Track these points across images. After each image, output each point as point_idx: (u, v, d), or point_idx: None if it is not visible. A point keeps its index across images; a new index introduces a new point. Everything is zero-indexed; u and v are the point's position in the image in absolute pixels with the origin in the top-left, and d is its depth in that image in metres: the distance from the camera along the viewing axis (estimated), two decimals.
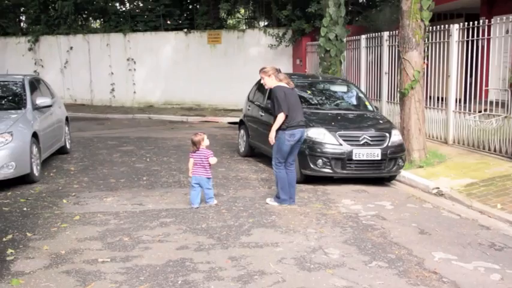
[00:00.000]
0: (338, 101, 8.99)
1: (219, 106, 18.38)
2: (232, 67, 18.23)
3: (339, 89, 9.26)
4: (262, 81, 6.45)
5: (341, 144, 7.46)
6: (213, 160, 6.43)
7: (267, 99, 9.03)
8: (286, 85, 6.34)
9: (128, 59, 18.94)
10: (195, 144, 6.44)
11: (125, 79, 19.07)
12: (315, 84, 9.30)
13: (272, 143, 6.28)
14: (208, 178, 6.44)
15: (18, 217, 5.78)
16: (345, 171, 7.47)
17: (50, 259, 4.53)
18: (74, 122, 14.17)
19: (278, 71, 6.42)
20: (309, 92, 8.99)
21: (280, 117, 6.16)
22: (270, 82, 6.37)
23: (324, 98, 8.96)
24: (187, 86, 18.58)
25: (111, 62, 19.03)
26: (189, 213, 6.05)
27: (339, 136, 7.52)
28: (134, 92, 19.09)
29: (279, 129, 6.25)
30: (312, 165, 7.46)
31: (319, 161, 7.43)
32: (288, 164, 6.50)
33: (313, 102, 8.78)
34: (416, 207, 6.52)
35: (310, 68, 16.16)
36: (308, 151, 7.48)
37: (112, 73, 19.09)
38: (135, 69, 19.00)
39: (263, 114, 9.05)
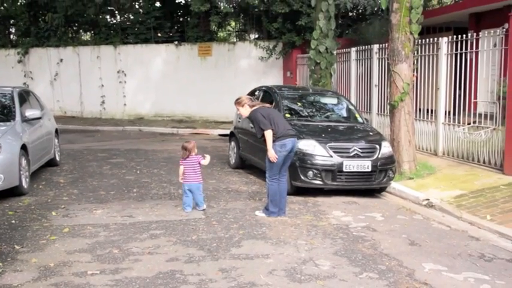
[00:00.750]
0: (328, 113, 9.05)
1: (210, 118, 18.41)
2: (223, 79, 18.31)
3: (329, 101, 9.32)
4: (237, 112, 6.53)
5: (331, 156, 7.50)
6: (205, 162, 6.63)
7: None
8: (258, 106, 6.51)
9: (118, 71, 18.96)
10: (187, 150, 6.59)
11: (115, 91, 19.07)
12: (305, 96, 9.35)
13: (274, 160, 6.29)
14: (199, 183, 6.64)
15: (6, 230, 5.74)
16: (335, 183, 7.51)
17: (39, 272, 4.50)
18: (63, 134, 14.04)
19: (251, 99, 6.61)
20: (300, 104, 9.04)
21: (269, 134, 6.26)
22: (244, 111, 6.54)
23: (314, 110, 9.01)
24: (178, 98, 18.61)
25: (101, 74, 19.04)
26: (179, 225, 6.06)
27: (329, 148, 7.57)
28: (124, 104, 19.07)
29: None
30: (302, 177, 7.49)
31: (310, 173, 7.46)
32: (281, 175, 6.54)
33: (303, 114, 8.82)
34: (406, 219, 6.56)
35: (301, 80, 16.27)
36: (298, 163, 7.50)
37: (102, 85, 19.08)
38: (125, 82, 19.01)
39: (253, 126, 9.08)
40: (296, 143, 6.56)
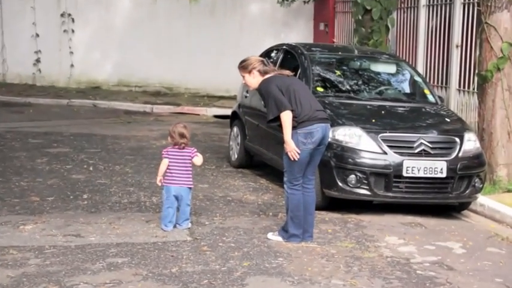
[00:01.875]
0: (382, 88, 9.06)
1: (201, 91, 18.40)
2: (223, 33, 18.24)
3: (383, 68, 9.33)
4: (243, 81, 6.75)
5: (385, 153, 7.52)
6: (198, 160, 6.75)
7: None
8: (272, 73, 6.57)
9: (62, 15, 18.95)
10: (184, 137, 6.66)
11: (58, 45, 19.05)
12: (347, 61, 9.33)
13: (296, 156, 6.33)
14: (190, 188, 6.75)
15: None
16: (390, 194, 7.53)
17: None
18: None
19: (263, 62, 6.64)
20: (338, 72, 9.05)
21: (287, 117, 6.29)
22: (252, 80, 6.59)
23: (360, 83, 9.02)
24: (154, 58, 18.56)
25: (35, 17, 19.02)
26: (153, 250, 6.06)
27: (382, 140, 7.58)
28: (71, 65, 19.08)
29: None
30: (340, 183, 7.52)
31: (352, 177, 7.49)
32: (306, 180, 6.58)
33: (343, 89, 8.81)
34: (501, 253, 6.53)
35: (341, 37, 16.20)
36: (334, 161, 7.53)
37: (37, 35, 19.07)
38: (73, 31, 19.00)
39: (264, 103, 9.07)
40: (328, 129, 6.60)
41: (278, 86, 6.38)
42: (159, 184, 6.83)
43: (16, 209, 7.29)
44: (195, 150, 6.82)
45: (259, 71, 6.55)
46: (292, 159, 6.34)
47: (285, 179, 6.56)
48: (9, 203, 7.56)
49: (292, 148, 6.31)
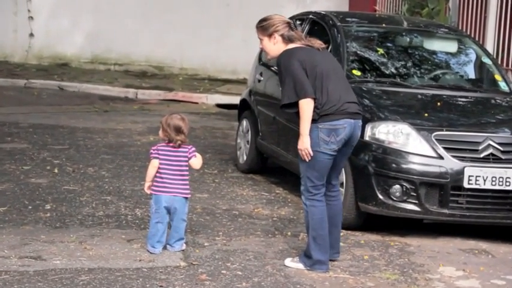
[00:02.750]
0: (438, 72, 9.07)
1: (200, 72, 18.41)
2: None
3: (441, 46, 9.36)
4: (260, 46, 6.83)
5: (441, 157, 7.54)
6: (196, 162, 6.77)
7: None
8: (298, 45, 6.62)
9: None
10: (180, 132, 6.66)
11: (12, 7, 19.02)
12: (392, 36, 9.38)
13: (308, 158, 6.42)
14: (186, 199, 6.77)
15: None
16: (446, 211, 7.54)
17: None
18: None
19: (290, 25, 6.70)
20: (381, 51, 9.07)
21: (307, 106, 6.35)
22: (272, 48, 6.66)
23: (409, 65, 9.05)
24: (139, 28, 18.58)
25: None
26: (136, 278, 6.10)
27: (437, 140, 7.60)
28: (31, 35, 19.08)
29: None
30: (380, 196, 7.54)
31: (396, 188, 7.51)
32: (330, 187, 6.66)
33: (387, 72, 8.83)
34: None
35: (385, 4, 16.17)
36: (373, 167, 7.57)
37: None
38: None
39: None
40: (359, 130, 6.67)
41: (302, 63, 6.43)
42: (147, 192, 6.85)
43: None
44: (193, 149, 6.82)
45: (282, 36, 6.59)
46: (303, 159, 6.42)
47: (302, 187, 6.61)
48: None
49: (306, 146, 6.37)
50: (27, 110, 13.81)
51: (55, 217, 7.63)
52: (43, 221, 7.47)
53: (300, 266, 6.59)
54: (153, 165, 6.75)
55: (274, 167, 9.88)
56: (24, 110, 13.88)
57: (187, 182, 6.83)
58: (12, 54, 19.23)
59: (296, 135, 8.63)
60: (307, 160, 6.40)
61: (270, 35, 6.61)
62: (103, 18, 18.66)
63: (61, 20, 18.93)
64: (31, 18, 18.99)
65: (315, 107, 6.36)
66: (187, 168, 6.79)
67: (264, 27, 6.65)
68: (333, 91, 6.44)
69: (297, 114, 6.45)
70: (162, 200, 6.69)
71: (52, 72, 17.85)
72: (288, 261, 6.66)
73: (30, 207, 7.94)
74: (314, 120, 6.38)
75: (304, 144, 6.36)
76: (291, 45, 6.59)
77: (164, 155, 6.73)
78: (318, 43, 6.71)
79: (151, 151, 6.81)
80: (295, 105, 6.41)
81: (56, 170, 9.50)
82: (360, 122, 6.67)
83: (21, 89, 16.36)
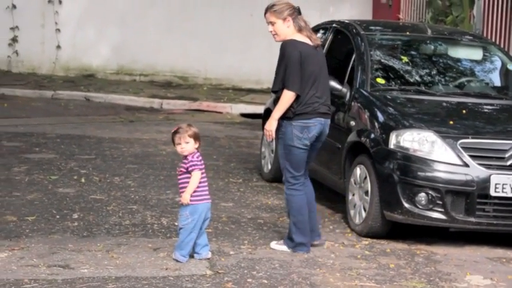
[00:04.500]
0: (463, 79, 9.03)
1: (225, 81, 18.41)
2: (253, 7, 18.22)
3: (466, 54, 9.32)
4: (269, 29, 7.19)
5: (467, 165, 7.49)
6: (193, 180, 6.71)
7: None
8: (306, 39, 7.07)
9: None
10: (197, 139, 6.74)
11: (40, 20, 19.15)
12: (416, 44, 9.35)
13: (269, 139, 7.29)
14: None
15: None
16: (473, 219, 7.48)
17: None
18: None
19: (299, 10, 7.16)
20: (405, 59, 9.04)
21: (288, 97, 6.93)
22: (286, 31, 7.08)
23: (434, 73, 9.02)
24: (164, 39, 18.62)
25: None
26: (162, 286, 6.10)
27: (463, 148, 7.55)
28: (58, 47, 19.17)
29: (283, 117, 7.01)
30: (406, 204, 7.49)
31: (421, 197, 7.47)
32: (306, 176, 7.27)
33: (412, 80, 8.81)
34: None
35: (409, 12, 16.12)
36: (399, 175, 7.53)
37: (13, 6, 19.19)
38: (60, 2, 19.08)
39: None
40: (327, 128, 7.24)
41: (301, 57, 6.93)
42: (185, 203, 6.70)
43: None
44: (197, 152, 6.80)
45: (294, 20, 7.05)
46: (266, 138, 7.28)
47: (283, 178, 7.23)
48: None
49: (271, 128, 6.99)
50: (54, 121, 13.86)
51: (82, 226, 7.66)
52: (71, 230, 7.51)
53: (284, 248, 7.10)
54: (199, 177, 6.71)
55: None
56: (52, 120, 13.93)
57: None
58: (40, 66, 19.31)
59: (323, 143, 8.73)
60: (268, 139, 7.26)
61: (284, 18, 7.00)
62: (128, 29, 18.71)
63: (87, 32, 19.00)
64: (58, 30, 19.06)
65: (291, 106, 6.91)
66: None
67: (278, 10, 7.02)
68: (315, 93, 7.00)
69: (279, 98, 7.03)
70: (201, 209, 6.69)
71: (78, 84, 17.92)
72: (273, 244, 7.21)
73: (58, 216, 7.98)
74: (289, 118, 6.96)
75: (271, 126, 6.98)
76: (298, 36, 7.02)
77: (202, 164, 6.76)
78: (314, 39, 7.20)
79: (197, 163, 6.68)
80: (279, 91, 6.99)
81: (83, 180, 9.53)
82: (328, 121, 7.22)
83: (48, 100, 16.43)
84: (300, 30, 7.06)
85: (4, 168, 9.93)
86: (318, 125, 7.03)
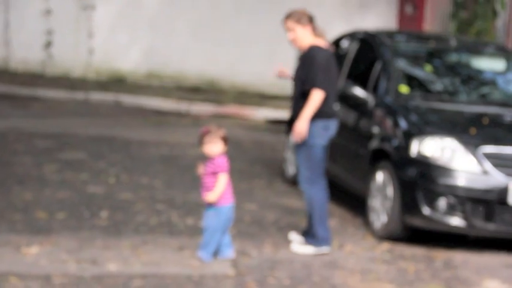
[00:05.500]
0: (486, 88, 9.01)
1: (250, 87, 18.41)
2: (280, 14, 18.18)
3: (489, 64, 9.32)
4: (289, 37, 7.44)
5: (487, 173, 7.50)
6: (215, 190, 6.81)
7: (349, 74, 9.26)
8: (324, 45, 7.46)
9: None
10: (226, 142, 6.90)
11: (74, 24, 19.24)
12: (441, 53, 9.36)
13: (299, 140, 7.22)
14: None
15: None
16: (492, 226, 7.49)
17: None
18: None
19: (311, 19, 7.44)
20: (429, 68, 9.07)
21: (318, 96, 7.17)
22: (304, 36, 7.37)
23: (457, 82, 9.02)
24: (193, 45, 18.64)
25: None
26: (187, 284, 6.15)
27: (484, 156, 7.56)
28: (91, 51, 19.24)
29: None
30: (425, 210, 7.52)
31: (442, 203, 7.49)
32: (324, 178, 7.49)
33: (435, 89, 8.82)
34: None
35: (434, 23, 16.08)
36: (419, 181, 7.55)
37: (49, 11, 19.38)
38: (94, 7, 19.23)
39: (339, 103, 9.13)
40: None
41: (326, 62, 7.26)
42: (211, 203, 6.82)
43: (18, 227, 7.44)
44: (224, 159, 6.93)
45: (312, 27, 7.38)
46: (296, 140, 7.22)
47: (302, 178, 7.43)
48: (9, 219, 7.70)
49: (303, 129, 7.11)
50: (85, 123, 13.98)
51: (110, 224, 7.75)
52: (99, 228, 7.60)
53: (310, 250, 7.21)
54: (226, 179, 6.82)
55: None
56: (83, 122, 14.05)
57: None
58: (73, 69, 19.39)
59: (343, 149, 8.77)
60: (300, 138, 7.15)
61: (303, 25, 7.30)
62: (158, 35, 18.80)
63: (119, 37, 19.09)
64: (91, 35, 19.19)
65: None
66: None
67: (298, 18, 7.33)
68: (330, 95, 7.24)
69: (301, 100, 7.30)
70: (225, 210, 6.78)
71: (109, 87, 17.98)
72: (297, 247, 7.31)
73: (87, 214, 8.08)
74: (313, 118, 7.17)
75: (303, 127, 7.13)
76: (318, 41, 7.35)
77: (227, 167, 6.83)
78: (331, 46, 7.65)
79: (224, 166, 6.80)
80: (305, 94, 7.22)
81: (111, 180, 9.63)
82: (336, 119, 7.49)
83: (80, 102, 16.57)
84: (316, 36, 7.38)
85: (36, 167, 10.06)
86: (333, 125, 7.37)
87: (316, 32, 7.42)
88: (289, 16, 7.41)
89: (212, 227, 6.79)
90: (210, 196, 6.74)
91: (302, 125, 7.14)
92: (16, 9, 19.54)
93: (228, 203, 6.84)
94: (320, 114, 7.18)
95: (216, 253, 6.85)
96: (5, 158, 10.52)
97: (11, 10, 19.63)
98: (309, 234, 7.36)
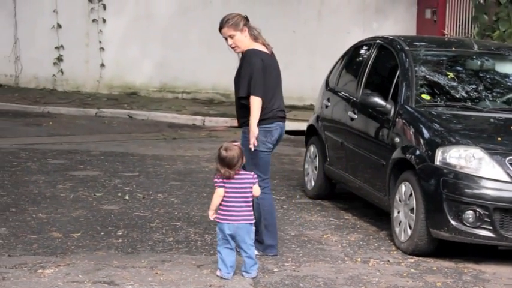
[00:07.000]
0: (511, 94, 8.93)
1: None
2: (295, 23, 18.25)
3: None
4: (228, 43, 7.62)
5: None
6: (258, 189, 6.93)
7: (367, 82, 9.20)
8: (263, 47, 7.59)
9: (90, 0, 19.26)
10: (230, 165, 6.72)
11: (84, 39, 19.33)
12: (462, 59, 9.30)
13: (252, 147, 7.30)
14: (251, 224, 6.83)
15: None
16: None
17: None
18: None
19: (248, 19, 7.61)
20: (450, 74, 8.99)
21: (257, 103, 7.31)
22: (245, 41, 7.51)
23: (480, 88, 8.95)
24: (206, 56, 18.64)
25: (56, 3, 19.40)
26: None
27: (511, 164, 7.49)
28: (102, 65, 19.31)
29: (246, 124, 7.41)
30: (452, 222, 7.44)
31: (469, 214, 7.41)
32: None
33: (458, 96, 8.76)
34: None
35: (454, 28, 16.01)
36: (445, 192, 7.47)
37: (58, 26, 19.41)
38: (104, 20, 19.24)
39: (356, 115, 9.10)
40: (284, 131, 7.70)
41: (264, 65, 7.42)
42: (213, 218, 6.83)
43: (33, 248, 7.44)
44: (256, 175, 6.99)
45: (249, 30, 7.53)
46: (250, 148, 7.25)
47: None
48: (24, 239, 7.71)
49: (255, 136, 7.22)
50: (98, 138, 14.04)
51: (127, 243, 7.75)
52: (115, 247, 7.60)
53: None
54: (219, 194, 6.78)
55: (342, 192, 9.87)
56: (96, 138, 14.11)
57: (251, 208, 6.87)
58: (84, 84, 19.50)
59: (364, 160, 8.72)
60: (252, 148, 7.25)
61: (241, 30, 7.45)
62: (170, 47, 18.83)
63: (130, 50, 19.16)
64: (102, 49, 19.24)
65: None
66: (251, 194, 6.85)
67: (235, 23, 7.47)
68: (271, 99, 7.45)
69: (244, 107, 7.44)
70: (226, 228, 6.70)
71: (122, 101, 18.10)
72: None
73: (102, 233, 8.08)
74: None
75: (255, 134, 7.23)
76: (257, 45, 7.50)
77: (230, 183, 6.76)
78: (270, 47, 7.68)
79: (216, 180, 6.83)
80: (247, 98, 7.34)
81: (126, 197, 9.64)
82: (285, 125, 7.71)
83: (92, 117, 16.66)
84: (255, 39, 7.53)
85: (49, 185, 10.09)
86: (278, 129, 7.53)
87: (253, 32, 7.55)
88: (225, 23, 7.55)
89: (219, 243, 6.82)
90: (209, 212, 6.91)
91: (253, 133, 7.25)
92: (25, 24, 19.65)
93: (227, 221, 6.72)
94: (260, 121, 7.31)
95: (242, 272, 6.82)
96: (17, 177, 10.56)
97: (20, 26, 19.75)
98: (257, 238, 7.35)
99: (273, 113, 7.47)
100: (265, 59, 7.49)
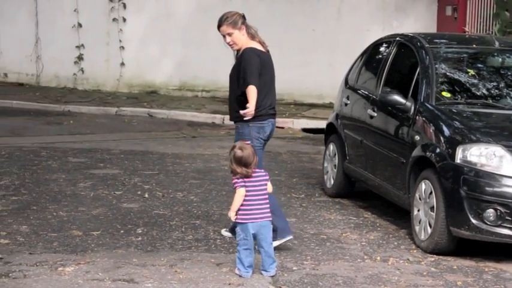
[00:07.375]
0: None
1: (286, 96, 18.37)
2: (315, 21, 18.24)
3: None
4: (226, 40, 7.77)
5: None
6: (270, 185, 6.98)
7: (387, 79, 9.20)
8: (260, 46, 7.77)
9: (111, 0, 19.34)
10: (250, 164, 6.76)
11: (105, 38, 19.41)
12: (483, 56, 9.27)
13: (249, 116, 7.49)
14: (271, 221, 6.89)
15: None
16: None
17: None
18: (0, 118, 14.61)
19: (244, 17, 7.76)
20: (471, 72, 8.95)
21: (254, 90, 7.48)
22: (242, 39, 7.69)
23: (502, 86, 8.91)
24: (226, 55, 18.52)
25: (77, 3, 19.49)
26: None
27: None
28: (122, 64, 19.39)
29: (240, 119, 7.64)
30: (473, 220, 7.39)
31: (490, 212, 7.36)
32: None
33: (478, 94, 8.72)
34: None
35: (475, 25, 15.97)
36: (466, 191, 7.43)
37: (79, 25, 19.50)
38: (124, 20, 19.32)
39: (376, 113, 9.08)
40: (274, 127, 7.92)
41: (261, 63, 7.62)
42: (234, 219, 6.81)
43: (54, 246, 7.49)
44: (266, 173, 7.02)
45: (247, 29, 7.69)
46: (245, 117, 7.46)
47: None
48: (45, 237, 7.75)
49: (253, 111, 7.40)
50: (118, 137, 14.11)
51: (146, 241, 7.77)
52: (135, 245, 7.63)
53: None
54: (241, 194, 6.73)
55: (362, 190, 9.86)
56: (116, 136, 14.19)
57: (269, 205, 6.88)
58: (104, 83, 19.59)
59: (384, 158, 8.72)
60: (247, 116, 7.43)
61: (239, 28, 7.61)
62: (190, 46, 18.88)
63: (150, 49, 19.23)
64: (122, 48, 19.32)
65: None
66: (267, 191, 6.89)
67: (233, 21, 7.64)
68: (268, 96, 7.73)
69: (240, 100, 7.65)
70: (250, 228, 6.69)
71: (142, 100, 18.18)
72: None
73: (122, 231, 8.12)
74: (246, 120, 7.50)
75: (252, 110, 7.41)
76: (254, 43, 7.68)
77: (250, 182, 6.77)
78: (266, 45, 7.84)
79: (236, 180, 6.79)
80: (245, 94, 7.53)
81: (146, 195, 9.67)
82: (275, 121, 7.99)
83: (112, 116, 16.75)
84: (253, 37, 7.71)
85: (70, 184, 10.16)
86: (270, 125, 7.76)
87: (250, 31, 7.71)
88: (224, 20, 7.68)
89: (240, 243, 6.77)
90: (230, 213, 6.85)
91: (250, 110, 7.41)
92: (46, 24, 19.75)
93: (251, 220, 6.71)
94: (254, 117, 7.50)
95: (261, 271, 6.81)
96: (38, 175, 10.61)
97: (41, 25, 19.86)
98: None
99: (265, 111, 7.68)
100: (262, 57, 7.68)
